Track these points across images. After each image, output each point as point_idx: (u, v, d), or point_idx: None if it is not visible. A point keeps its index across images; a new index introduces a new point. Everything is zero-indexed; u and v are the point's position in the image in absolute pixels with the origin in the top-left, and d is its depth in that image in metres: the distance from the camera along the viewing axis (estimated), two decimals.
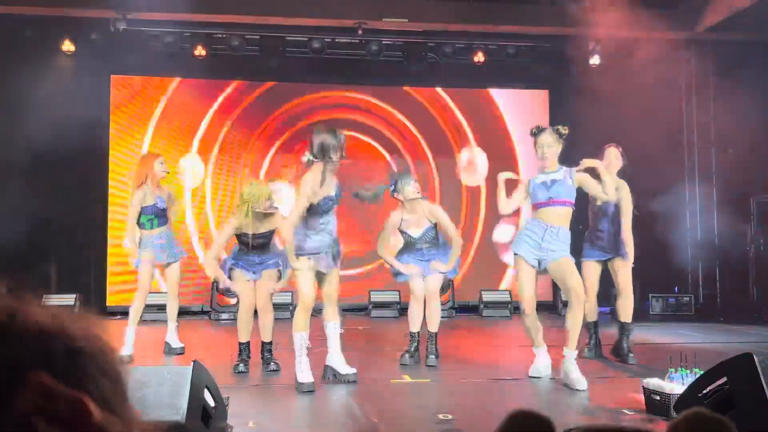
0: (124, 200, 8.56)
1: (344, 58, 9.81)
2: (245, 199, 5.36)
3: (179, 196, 8.40)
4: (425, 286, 5.75)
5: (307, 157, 4.82)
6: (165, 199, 6.14)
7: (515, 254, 5.12)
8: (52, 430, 0.48)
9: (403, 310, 7.66)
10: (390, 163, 10.04)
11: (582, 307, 4.99)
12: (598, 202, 5.82)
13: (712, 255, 9.92)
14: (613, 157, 5.90)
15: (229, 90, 9.97)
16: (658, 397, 3.99)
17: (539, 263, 5.02)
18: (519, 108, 10.40)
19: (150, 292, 6.32)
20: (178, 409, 3.09)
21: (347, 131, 5.43)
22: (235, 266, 5.54)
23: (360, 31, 9.15)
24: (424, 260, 5.78)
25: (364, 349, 6.51)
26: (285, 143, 9.94)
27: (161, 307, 6.98)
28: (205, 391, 3.41)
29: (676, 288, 9.89)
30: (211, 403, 3.48)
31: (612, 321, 6.41)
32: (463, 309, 9.56)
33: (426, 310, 5.79)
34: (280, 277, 5.52)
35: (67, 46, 8.97)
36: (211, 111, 9.91)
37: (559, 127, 5.05)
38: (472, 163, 10.26)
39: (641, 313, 8.96)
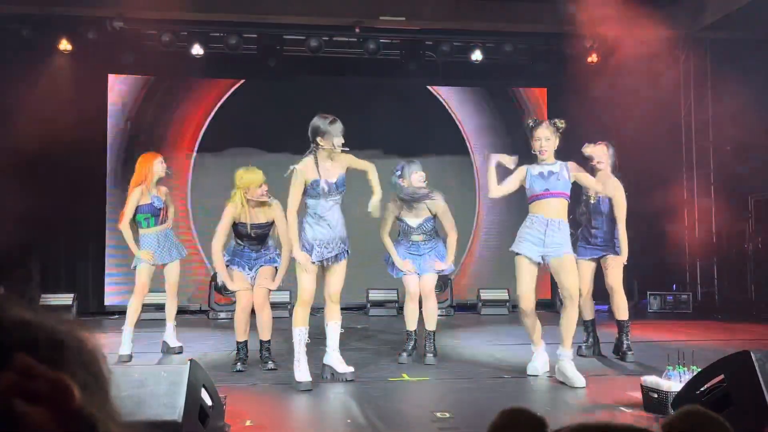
0: (122, 199, 8.54)
1: (342, 56, 9.80)
2: (237, 184, 5.36)
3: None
4: (420, 285, 5.74)
5: (291, 167, 4.80)
6: (162, 199, 6.13)
7: (517, 254, 5.04)
8: (33, 410, 0.47)
9: (401, 309, 7.65)
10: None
11: (576, 307, 4.99)
12: (593, 200, 5.82)
13: (710, 253, 9.91)
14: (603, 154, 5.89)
15: (226, 88, 9.96)
16: (655, 395, 3.99)
17: (543, 259, 4.99)
18: (515, 106, 10.39)
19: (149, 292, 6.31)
20: (175, 409, 3.09)
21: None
22: (230, 263, 5.53)
23: (357, 30, 9.14)
24: (418, 255, 5.77)
25: (362, 348, 6.50)
26: (285, 143, 9.90)
27: (159, 307, 6.98)
28: (202, 390, 3.40)
29: (674, 286, 9.89)
30: (209, 402, 3.48)
31: (610, 318, 6.40)
32: (461, 307, 9.56)
33: (423, 309, 5.79)
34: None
35: (64, 45, 8.95)
36: (210, 109, 9.89)
37: (557, 120, 5.04)
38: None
39: (639, 311, 8.99)
